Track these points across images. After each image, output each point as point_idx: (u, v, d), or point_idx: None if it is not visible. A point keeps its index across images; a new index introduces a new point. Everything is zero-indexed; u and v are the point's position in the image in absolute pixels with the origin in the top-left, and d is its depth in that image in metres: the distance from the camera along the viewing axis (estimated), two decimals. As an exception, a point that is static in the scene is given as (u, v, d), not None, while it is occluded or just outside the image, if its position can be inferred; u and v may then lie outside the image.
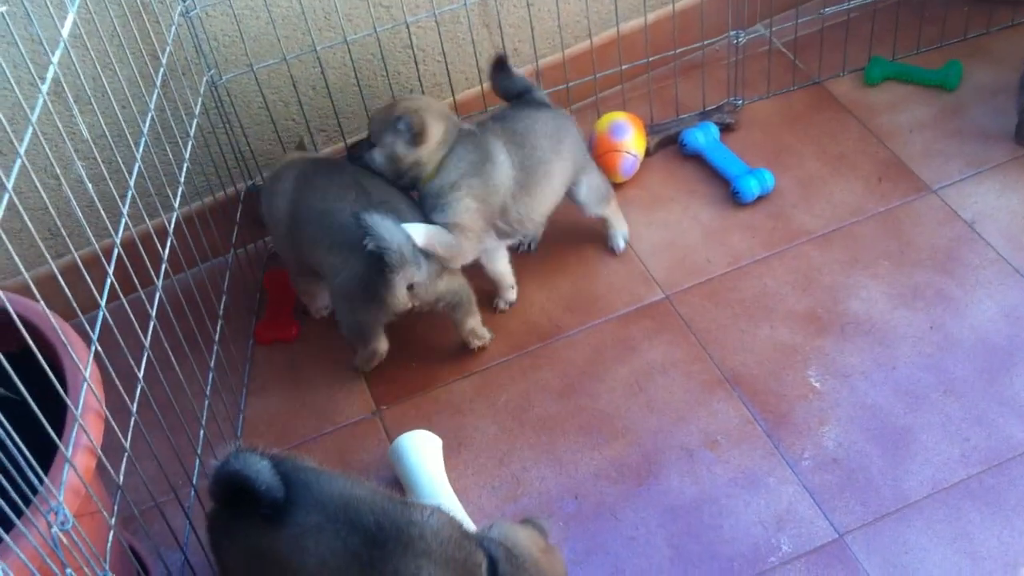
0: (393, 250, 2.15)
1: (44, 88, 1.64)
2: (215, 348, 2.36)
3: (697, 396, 2.33)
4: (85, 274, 1.71)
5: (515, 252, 2.64)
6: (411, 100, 2.46)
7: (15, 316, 1.53)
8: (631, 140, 2.81)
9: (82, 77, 1.94)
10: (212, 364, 2.32)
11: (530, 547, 1.77)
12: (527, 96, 2.54)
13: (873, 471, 2.12)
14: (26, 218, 1.53)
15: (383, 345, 2.41)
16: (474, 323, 2.46)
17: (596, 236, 2.71)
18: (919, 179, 2.70)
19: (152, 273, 2.02)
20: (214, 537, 1.83)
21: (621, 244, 2.68)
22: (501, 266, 2.56)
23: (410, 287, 2.25)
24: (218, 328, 2.39)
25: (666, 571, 2.04)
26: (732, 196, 2.73)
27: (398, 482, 2.23)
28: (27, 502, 1.48)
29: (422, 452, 2.21)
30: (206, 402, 2.23)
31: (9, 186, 1.42)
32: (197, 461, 2.09)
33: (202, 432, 2.16)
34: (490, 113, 2.64)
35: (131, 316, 1.85)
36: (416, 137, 2.33)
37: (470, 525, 2.07)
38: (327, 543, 1.70)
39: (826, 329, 2.41)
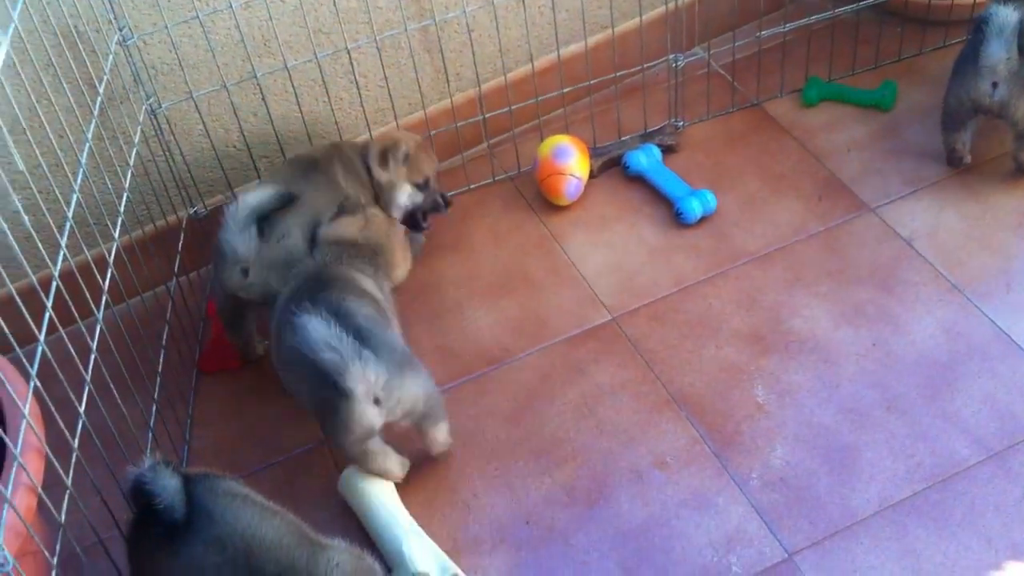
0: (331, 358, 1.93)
1: (-22, 120, 1.61)
2: (158, 379, 2.32)
3: (645, 417, 2.33)
4: (22, 307, 1.68)
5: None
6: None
7: (-50, 354, 1.49)
8: (575, 163, 2.82)
9: (16, 108, 1.90)
10: (155, 395, 2.28)
11: None
12: None
13: (820, 489, 2.14)
14: (-39, 253, 1.50)
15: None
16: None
17: (543, 257, 2.72)
18: (858, 198, 2.74)
19: (92, 304, 1.98)
20: (129, 545, 1.80)
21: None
22: None
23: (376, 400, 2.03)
24: (161, 358, 2.35)
25: (618, 595, 2.04)
26: (675, 217, 2.76)
27: (349, 511, 2.21)
28: (-35, 545, 1.44)
29: (373, 482, 2.19)
30: (149, 434, 2.19)
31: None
32: (142, 495, 2.04)
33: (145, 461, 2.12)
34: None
35: (71, 349, 1.82)
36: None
37: (433, 550, 2.05)
38: None
39: (771, 348, 2.43)
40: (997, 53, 2.47)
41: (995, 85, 2.52)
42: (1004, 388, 2.26)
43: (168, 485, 1.72)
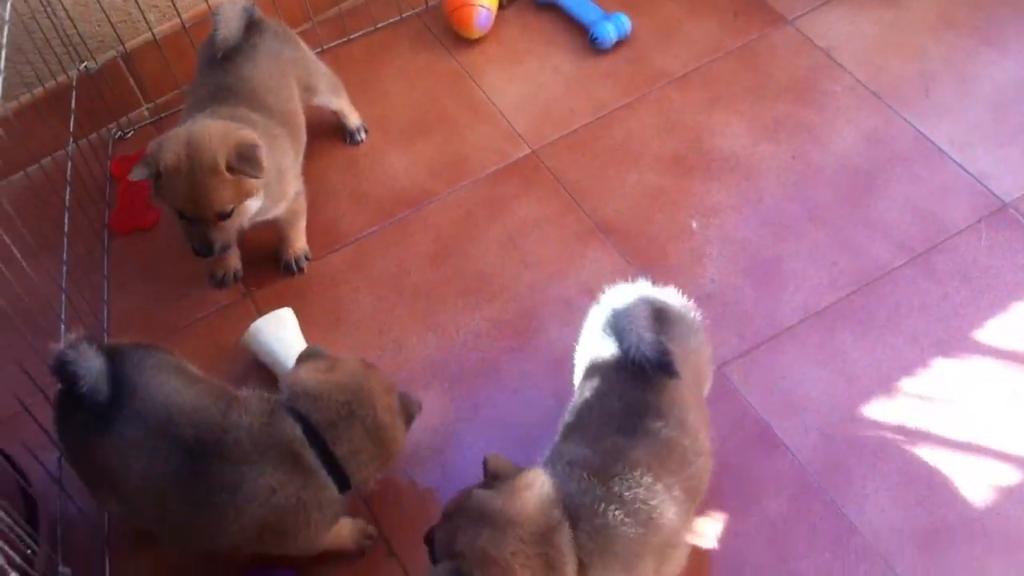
0: None
1: None
2: (65, 241, 2.23)
3: (571, 248, 2.31)
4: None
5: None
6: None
7: None
8: (483, -7, 2.71)
9: None
10: (65, 258, 2.19)
11: (315, 374, 1.74)
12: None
13: (746, 303, 2.15)
14: None
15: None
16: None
17: (457, 95, 2.64)
18: (774, 11, 2.68)
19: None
20: (57, 419, 1.78)
21: (361, 136, 2.60)
22: None
23: None
24: (66, 221, 2.26)
25: (553, 421, 2.04)
26: (590, 43, 2.68)
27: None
28: None
29: (270, 335, 2.16)
30: (62, 296, 2.11)
31: None
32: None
33: (63, 327, 2.05)
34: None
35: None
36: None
37: None
38: (148, 460, 1.67)
39: (693, 169, 2.40)
40: None
41: None
42: (925, 191, 2.27)
43: (92, 367, 1.68)
